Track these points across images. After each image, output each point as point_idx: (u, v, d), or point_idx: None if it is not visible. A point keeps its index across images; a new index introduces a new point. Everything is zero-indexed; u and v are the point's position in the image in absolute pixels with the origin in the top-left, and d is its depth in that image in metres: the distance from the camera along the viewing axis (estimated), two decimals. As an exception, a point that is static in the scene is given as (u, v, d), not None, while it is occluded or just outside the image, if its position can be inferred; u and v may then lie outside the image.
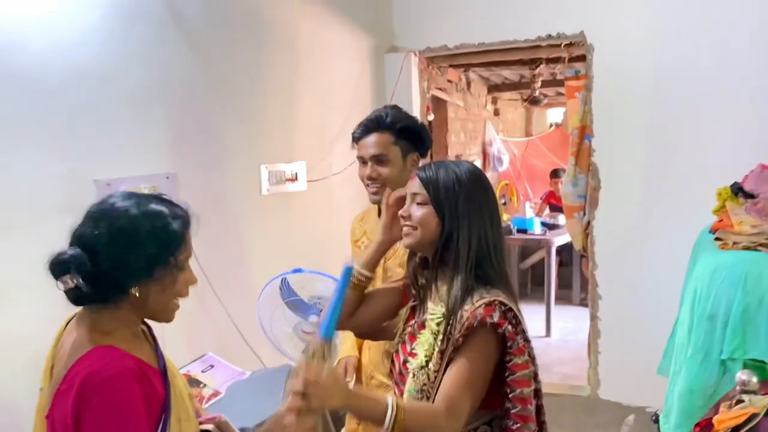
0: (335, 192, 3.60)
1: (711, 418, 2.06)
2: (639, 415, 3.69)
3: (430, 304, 1.50)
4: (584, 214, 3.91)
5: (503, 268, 1.51)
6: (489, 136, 6.81)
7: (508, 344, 1.39)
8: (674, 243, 3.07)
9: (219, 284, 2.69)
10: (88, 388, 1.18)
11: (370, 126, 2.02)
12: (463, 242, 1.45)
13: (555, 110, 8.79)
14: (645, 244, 3.59)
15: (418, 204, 1.51)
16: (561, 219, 6.19)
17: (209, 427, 1.47)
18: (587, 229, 3.86)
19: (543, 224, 6.08)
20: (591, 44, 3.62)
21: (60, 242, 1.28)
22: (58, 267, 1.23)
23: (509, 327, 1.38)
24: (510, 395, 1.39)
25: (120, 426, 1.19)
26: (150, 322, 1.42)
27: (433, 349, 1.40)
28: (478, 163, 6.30)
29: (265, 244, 3.10)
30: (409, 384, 1.46)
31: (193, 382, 2.42)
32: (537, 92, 5.95)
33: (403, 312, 1.64)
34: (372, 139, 2.00)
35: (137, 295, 1.28)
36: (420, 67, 4.16)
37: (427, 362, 1.43)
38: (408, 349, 1.52)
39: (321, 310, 2.75)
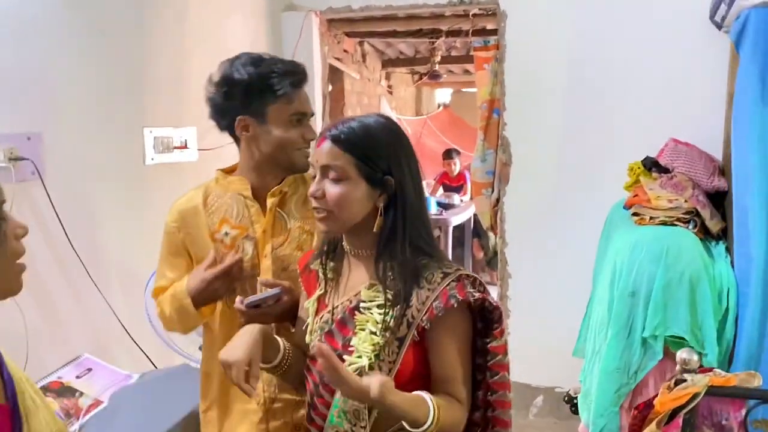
0: (231, 163, 3.19)
1: (651, 399, 1.97)
2: (547, 396, 3.65)
3: (362, 290, 1.23)
4: (492, 191, 3.79)
5: (433, 236, 1.29)
6: (384, 113, 6.61)
7: (493, 317, 1.22)
8: (586, 220, 3.02)
9: (97, 271, 2.25)
10: None
11: (305, 79, 1.65)
12: (399, 212, 1.21)
13: (443, 90, 8.78)
14: (556, 221, 3.50)
15: (332, 179, 1.21)
16: (455, 199, 6.16)
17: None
18: (496, 206, 3.74)
19: (438, 204, 5.99)
20: (504, 11, 3.45)
21: None
22: None
23: (489, 297, 1.21)
24: (491, 380, 1.26)
25: None
26: None
27: (380, 345, 1.17)
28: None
29: (152, 223, 2.65)
30: None
31: (67, 391, 2.00)
32: (437, 66, 5.80)
33: (310, 304, 1.33)
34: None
35: None
36: (321, 29, 3.82)
37: (376, 359, 1.17)
38: (339, 342, 1.24)
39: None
